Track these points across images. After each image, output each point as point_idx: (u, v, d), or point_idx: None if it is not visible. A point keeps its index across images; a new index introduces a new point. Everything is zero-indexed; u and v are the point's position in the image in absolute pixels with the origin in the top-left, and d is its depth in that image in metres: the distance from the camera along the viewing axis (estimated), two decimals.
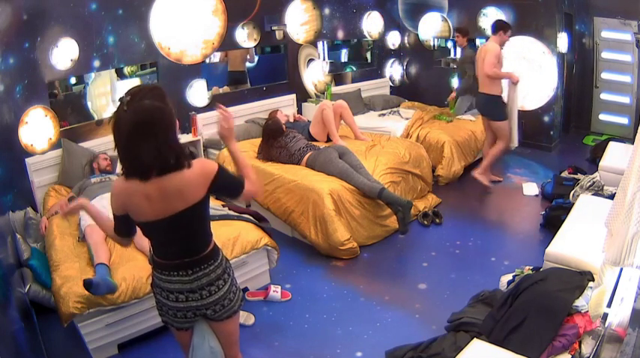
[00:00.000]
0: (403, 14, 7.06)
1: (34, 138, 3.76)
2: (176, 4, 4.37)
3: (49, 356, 2.62)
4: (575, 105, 6.65)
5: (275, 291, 3.20)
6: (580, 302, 2.27)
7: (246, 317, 2.96)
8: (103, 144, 4.20)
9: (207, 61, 5.33)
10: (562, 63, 5.94)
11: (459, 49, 6.09)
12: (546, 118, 6.03)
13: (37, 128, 3.76)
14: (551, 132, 6.06)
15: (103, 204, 3.13)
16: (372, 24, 6.69)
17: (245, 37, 5.31)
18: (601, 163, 4.25)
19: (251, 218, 3.36)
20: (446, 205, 4.54)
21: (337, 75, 6.67)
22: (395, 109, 6.35)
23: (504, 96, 4.62)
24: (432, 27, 6.71)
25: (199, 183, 1.67)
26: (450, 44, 6.83)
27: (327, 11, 6.15)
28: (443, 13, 6.55)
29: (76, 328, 2.54)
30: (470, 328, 2.51)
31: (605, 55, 6.17)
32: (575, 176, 4.55)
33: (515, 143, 4.78)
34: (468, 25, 6.07)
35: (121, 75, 4.68)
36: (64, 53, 3.90)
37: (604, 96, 6.35)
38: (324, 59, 6.27)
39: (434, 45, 7.04)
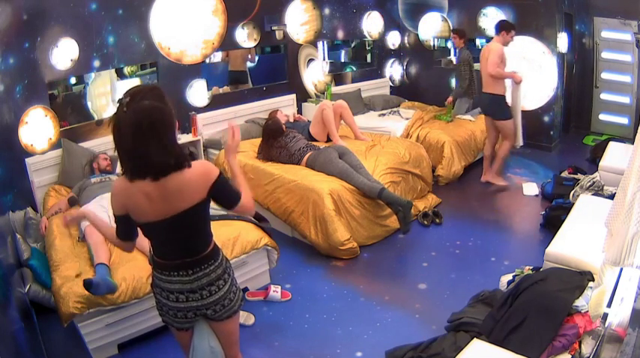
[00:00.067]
0: (403, 14, 7.06)
1: (34, 138, 3.75)
2: (176, 4, 4.37)
3: (49, 356, 2.62)
4: (575, 105, 6.65)
5: (275, 291, 3.20)
6: (580, 302, 2.27)
7: (246, 317, 2.96)
8: (103, 144, 4.20)
9: (208, 60, 5.32)
10: (562, 63, 5.94)
11: (456, 50, 6.08)
12: (546, 118, 6.03)
13: (37, 128, 3.75)
14: (551, 132, 6.06)
15: (103, 204, 3.14)
16: (372, 24, 6.68)
17: (245, 37, 5.31)
18: (601, 163, 4.25)
19: (251, 218, 3.35)
20: (446, 205, 4.54)
21: (337, 75, 6.67)
22: (395, 109, 6.36)
23: (508, 95, 4.63)
24: (432, 27, 6.71)
25: (200, 184, 1.67)
26: (449, 44, 6.83)
27: (327, 11, 6.15)
28: (443, 13, 6.55)
29: (76, 328, 2.55)
30: (470, 328, 2.50)
31: (605, 55, 6.17)
32: (575, 176, 4.55)
33: (520, 142, 4.78)
34: (468, 25, 6.07)
35: (121, 75, 4.68)
36: (64, 53, 3.90)
37: (604, 96, 6.35)
38: (324, 59, 6.27)
39: (434, 45, 7.04)
